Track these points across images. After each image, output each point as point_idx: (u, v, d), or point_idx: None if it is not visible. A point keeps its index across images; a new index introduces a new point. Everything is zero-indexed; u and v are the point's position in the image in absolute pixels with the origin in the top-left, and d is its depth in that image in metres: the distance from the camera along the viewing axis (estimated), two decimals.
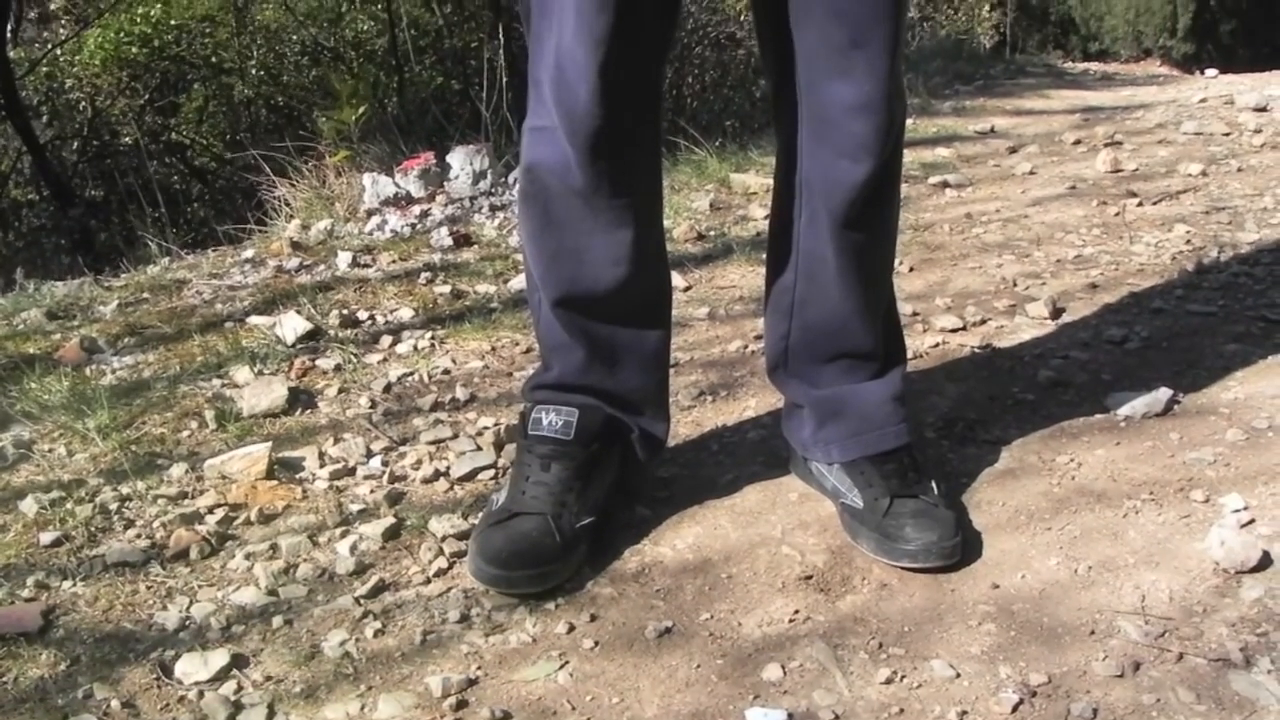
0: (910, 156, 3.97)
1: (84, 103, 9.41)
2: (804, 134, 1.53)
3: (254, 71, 8.78)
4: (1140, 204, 3.34)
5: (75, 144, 9.30)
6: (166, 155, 9.27)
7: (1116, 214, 3.25)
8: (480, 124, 3.70)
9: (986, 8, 11.09)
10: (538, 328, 1.64)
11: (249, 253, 3.09)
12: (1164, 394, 1.97)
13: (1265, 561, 1.50)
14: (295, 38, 8.48)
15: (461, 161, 3.40)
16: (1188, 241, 2.95)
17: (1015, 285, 2.64)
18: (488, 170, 3.38)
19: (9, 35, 8.50)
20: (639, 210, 1.53)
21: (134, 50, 8.95)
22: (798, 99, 1.51)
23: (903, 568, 1.52)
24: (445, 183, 3.42)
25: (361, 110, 3.60)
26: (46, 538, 1.66)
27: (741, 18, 7.67)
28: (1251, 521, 1.60)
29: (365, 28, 8.41)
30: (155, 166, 8.55)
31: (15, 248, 8.08)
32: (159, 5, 8.95)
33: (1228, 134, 4.44)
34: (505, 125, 3.74)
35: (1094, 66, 9.39)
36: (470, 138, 3.64)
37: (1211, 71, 7.84)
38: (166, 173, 8.93)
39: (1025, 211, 3.32)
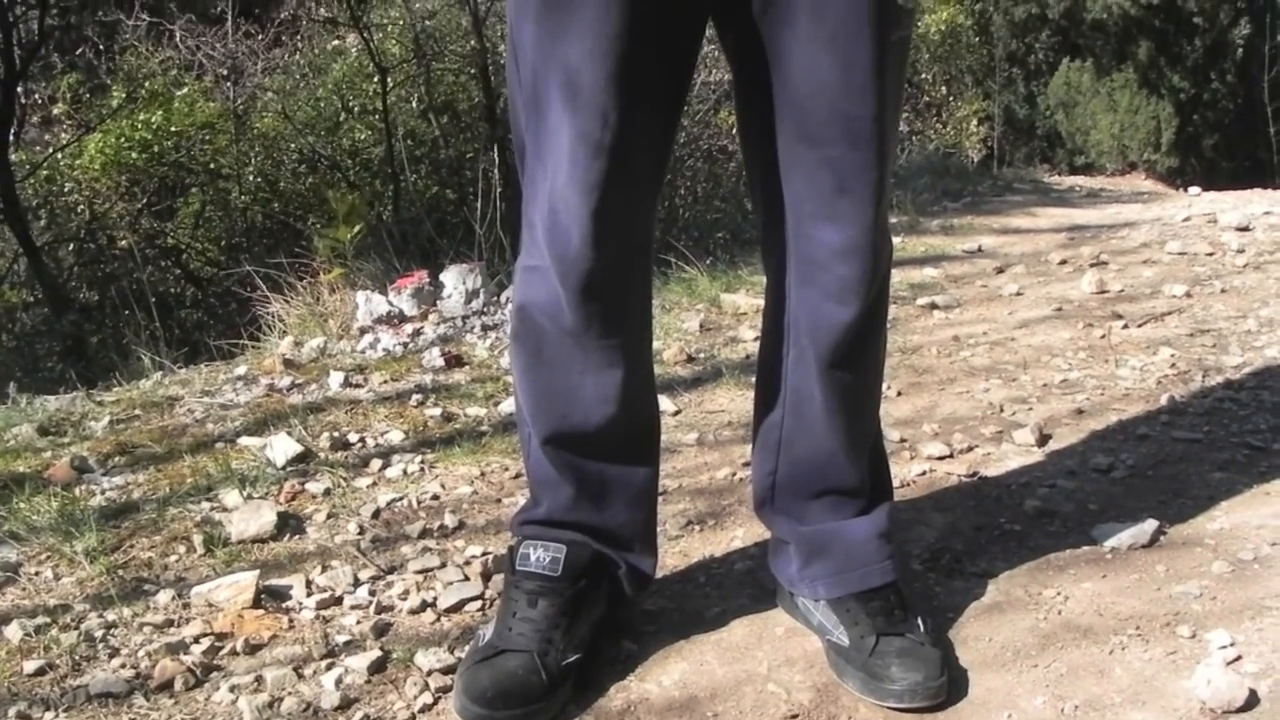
0: (899, 277, 4.03)
1: (82, 206, 9.50)
2: (791, 275, 1.56)
3: (251, 178, 8.88)
4: (1126, 326, 3.38)
5: (71, 246, 9.37)
6: (162, 259, 9.33)
7: (1102, 336, 3.29)
8: (474, 242, 3.75)
9: (974, 123, 11.30)
10: (527, 462, 1.66)
11: (241, 369, 3.11)
12: (1150, 525, 1.98)
13: (1252, 700, 1.50)
14: (293, 146, 8.59)
15: (454, 280, 3.45)
16: (1173, 365, 2.98)
17: (1002, 411, 2.67)
18: (480, 289, 3.42)
19: (11, 138, 8.61)
20: (629, 350, 1.55)
21: (134, 155, 9.05)
22: (786, 241, 1.55)
23: (889, 707, 1.52)
24: (438, 301, 3.46)
25: (357, 229, 3.65)
26: (30, 666, 1.65)
27: (733, 130, 7.80)
28: (1238, 658, 1.60)
29: (362, 137, 8.53)
30: (150, 271, 8.61)
31: (8, 348, 8.11)
32: (160, 112, 9.07)
33: (1211, 254, 4.50)
34: (499, 244, 3.79)
35: (1080, 182, 9.54)
36: (463, 256, 3.69)
37: (1195, 189, 7.97)
38: (161, 276, 8.99)
39: (1012, 334, 3.36)
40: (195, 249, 8.90)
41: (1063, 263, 4.44)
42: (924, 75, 10.73)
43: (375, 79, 7.70)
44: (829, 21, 1.42)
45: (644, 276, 1.59)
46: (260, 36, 9.84)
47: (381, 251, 3.73)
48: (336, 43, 9.40)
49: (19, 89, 8.94)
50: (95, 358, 6.64)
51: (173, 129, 9.00)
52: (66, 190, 9.56)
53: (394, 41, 8.34)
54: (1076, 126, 13.16)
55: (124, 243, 9.07)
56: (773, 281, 1.61)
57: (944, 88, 11.15)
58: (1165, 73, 13.26)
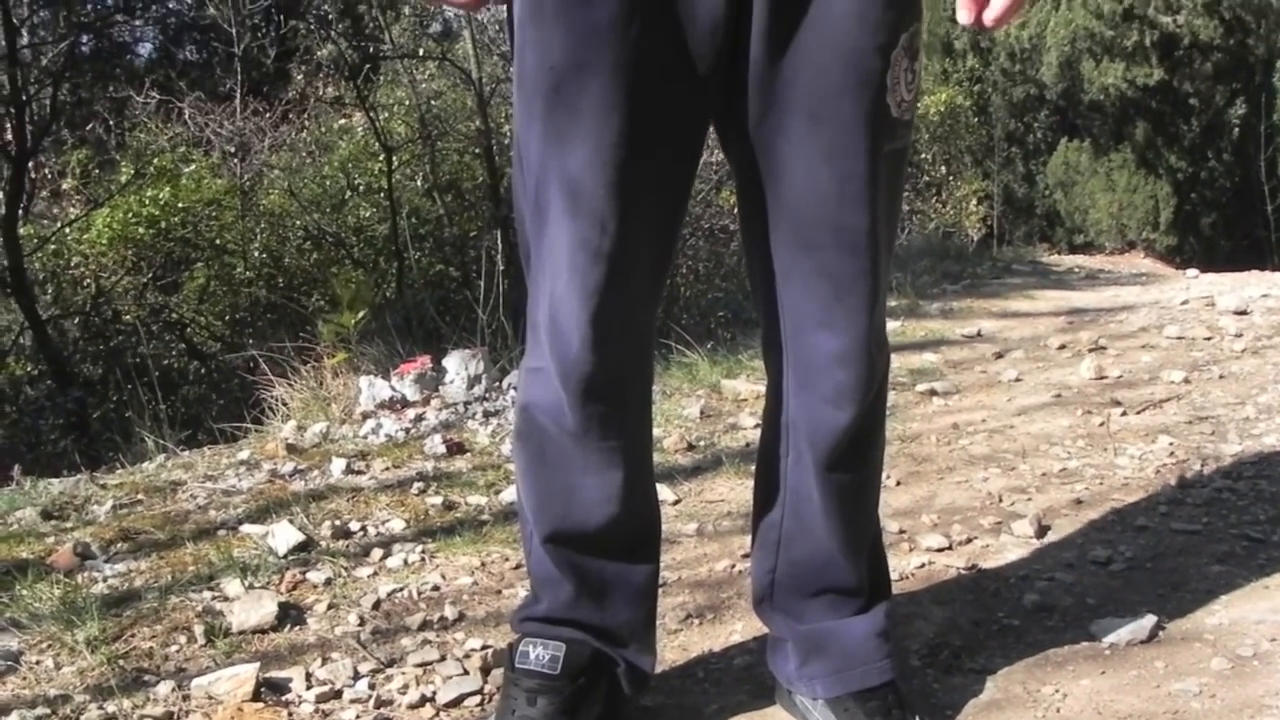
0: (899, 362, 4.05)
1: (88, 280, 9.57)
2: (790, 378, 1.58)
3: (256, 254, 8.95)
4: (1124, 413, 3.40)
5: (77, 320, 9.43)
6: (166, 334, 9.38)
7: (1101, 424, 3.31)
8: (477, 326, 3.79)
9: (974, 202, 11.40)
10: (528, 559, 1.67)
11: (244, 453, 3.13)
12: (1148, 620, 1.98)
13: None
14: (298, 223, 8.67)
15: (457, 366, 3.47)
16: (1171, 454, 2.99)
17: (1001, 501, 2.68)
18: (482, 375, 3.45)
19: (20, 212, 8.69)
20: (629, 451, 1.57)
21: (140, 230, 9.13)
22: (784, 344, 1.57)
23: None
24: (440, 386, 3.48)
25: (361, 315, 3.69)
26: None
27: (734, 210, 7.87)
28: None
29: (367, 214, 8.61)
30: (154, 345, 8.65)
31: (11, 419, 8.12)
32: (167, 188, 9.16)
33: (1209, 338, 4.53)
34: (501, 329, 3.82)
35: (1079, 262, 9.61)
36: (466, 341, 3.72)
37: (1193, 271, 8.03)
38: (165, 350, 9.03)
39: (1011, 421, 3.38)
40: (199, 324, 8.95)
41: (1061, 347, 4.47)
42: (924, 155, 10.85)
43: (380, 158, 7.79)
44: (824, 133, 1.46)
45: (645, 378, 1.61)
46: (268, 114, 9.98)
47: (385, 336, 3.77)
48: (343, 121, 9.52)
49: (29, 164, 9.05)
50: (98, 434, 6.66)
51: (180, 205, 9.08)
52: (73, 264, 9.63)
53: (400, 121, 8.45)
54: (1075, 206, 13.27)
55: (129, 317, 9.12)
56: (773, 382, 1.64)
57: (944, 167, 11.27)
58: (1163, 153, 13.40)
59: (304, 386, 3.49)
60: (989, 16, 1.46)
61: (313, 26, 10.33)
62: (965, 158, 12.40)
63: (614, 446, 1.55)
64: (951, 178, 11.34)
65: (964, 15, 1.47)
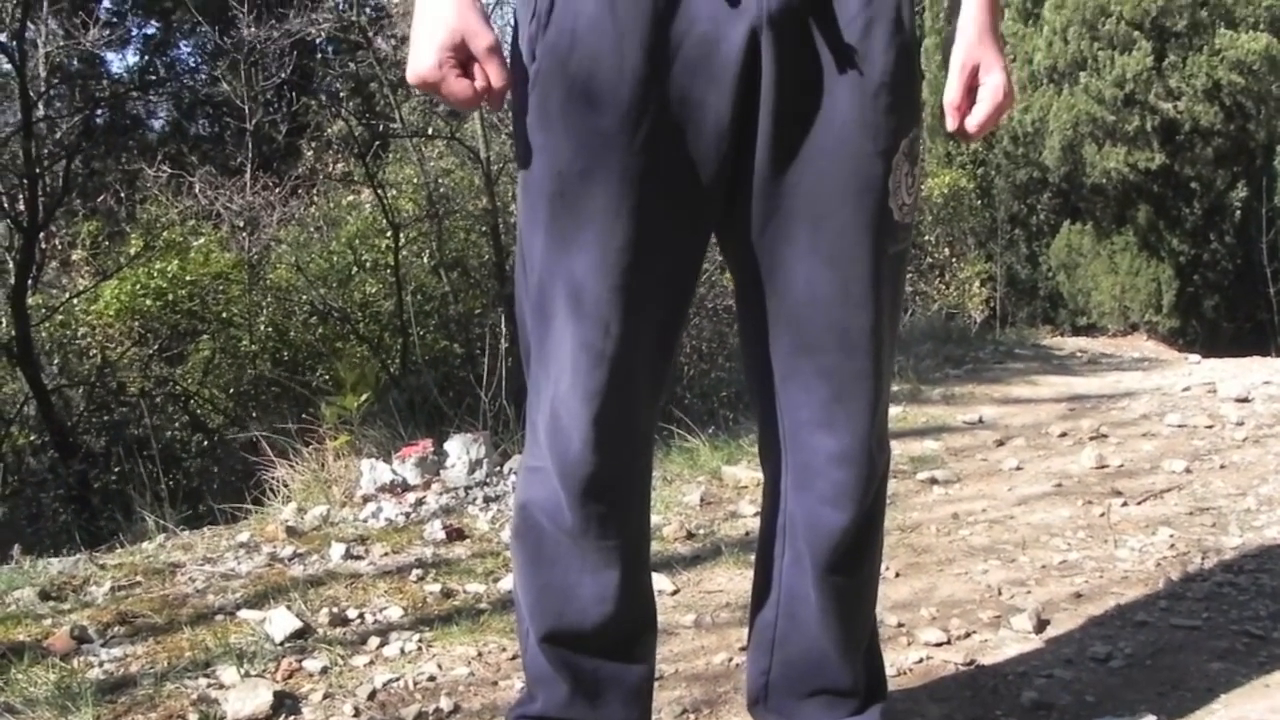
0: (900, 449, 4.06)
1: (94, 350, 9.62)
2: (788, 478, 1.59)
3: (262, 327, 9.00)
4: (1125, 504, 3.40)
5: (81, 390, 9.46)
6: (169, 405, 9.41)
7: (1101, 515, 3.31)
8: (479, 409, 3.81)
9: (977, 284, 11.45)
10: (524, 656, 1.67)
11: (244, 535, 3.13)
12: None
13: None
14: (305, 297, 8.73)
15: (458, 450, 3.48)
16: (1172, 546, 2.99)
17: (1000, 594, 2.67)
18: (484, 459, 3.45)
19: (29, 283, 8.75)
20: (626, 551, 1.58)
21: (148, 303, 9.19)
22: (782, 444, 1.59)
23: None
24: (441, 471, 3.49)
25: (364, 398, 3.72)
26: None
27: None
28: None
29: (373, 290, 8.67)
30: (158, 418, 8.67)
31: (13, 487, 8.12)
32: (176, 261, 9.24)
33: (1210, 426, 4.54)
34: (503, 412, 3.84)
35: (1082, 345, 9.62)
36: (468, 425, 3.74)
37: (1194, 357, 8.05)
38: (168, 422, 9.05)
39: (1011, 512, 3.38)
40: (203, 397, 8.98)
41: (1063, 435, 4.48)
42: (927, 237, 10.92)
43: (388, 235, 7.86)
44: (827, 236, 1.48)
45: (644, 477, 1.62)
46: (277, 189, 10.09)
47: (388, 418, 3.78)
48: (351, 198, 9.62)
49: (40, 235, 9.13)
50: (99, 508, 6.66)
51: (188, 278, 9.15)
52: (80, 334, 9.69)
53: (408, 199, 8.53)
54: (1078, 288, 13.32)
55: (133, 388, 9.16)
56: (769, 484, 1.65)
57: (947, 249, 11.34)
58: (1165, 236, 13.47)
59: (305, 468, 3.50)
60: (971, 123, 1.50)
61: (324, 103, 10.47)
62: (968, 239, 12.48)
63: (612, 546, 1.56)
64: (955, 259, 11.41)
65: (950, 122, 1.50)
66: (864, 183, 1.47)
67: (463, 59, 1.42)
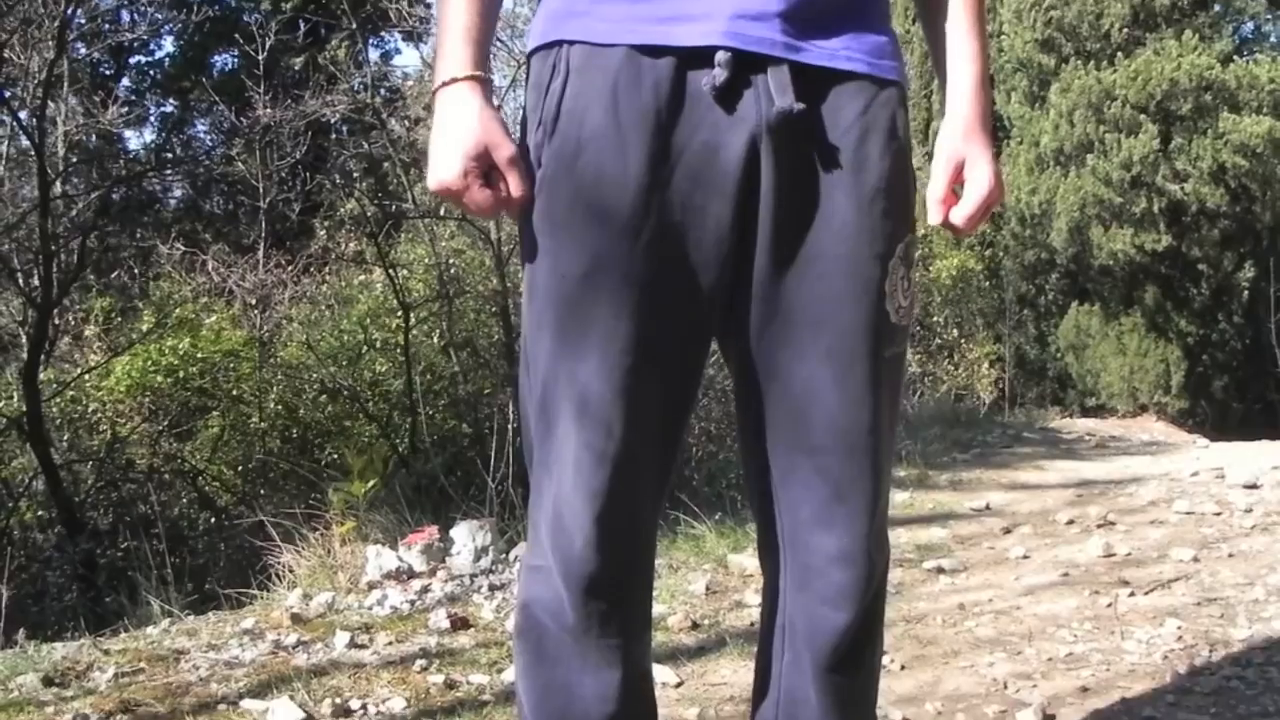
0: (906, 537, 4.06)
1: (105, 425, 9.65)
2: (787, 578, 1.60)
3: (272, 405, 9.03)
4: (1132, 594, 3.39)
5: (90, 465, 9.48)
6: (178, 481, 9.42)
7: (1109, 605, 3.29)
8: (486, 495, 3.82)
9: (986, 365, 11.48)
10: None
11: (249, 621, 3.12)
12: None
13: None
14: (314, 375, 8.77)
15: (464, 537, 3.49)
16: (1179, 638, 2.97)
17: (1006, 688, 2.66)
18: (490, 546, 3.46)
19: (42, 359, 8.81)
20: (628, 650, 1.58)
21: (159, 379, 9.24)
22: (781, 544, 1.59)
23: None
24: (447, 558, 3.50)
25: (371, 485, 3.73)
26: None
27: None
28: None
29: (383, 369, 8.70)
30: (165, 495, 8.67)
31: (19, 562, 8.11)
32: (187, 339, 9.30)
33: (1219, 513, 4.53)
34: (509, 500, 3.85)
35: (1091, 427, 9.62)
36: (474, 511, 3.75)
37: (1203, 441, 8.04)
38: (175, 498, 9.05)
39: (1018, 602, 3.37)
40: (211, 474, 8.99)
41: (1070, 522, 4.47)
42: (936, 318, 10.97)
43: (399, 314, 7.92)
44: (825, 339, 1.50)
45: (647, 573, 1.63)
46: (290, 267, 10.18)
47: (394, 504, 3.79)
48: (363, 277, 9.70)
49: (53, 312, 9.20)
50: (105, 587, 6.65)
51: (199, 355, 9.21)
52: (90, 410, 9.73)
53: (419, 280, 8.61)
54: (1087, 369, 13.34)
55: (142, 463, 9.17)
56: (768, 584, 1.65)
57: (955, 330, 11.39)
58: (1173, 317, 13.52)
59: (311, 553, 3.50)
60: (958, 218, 1.52)
61: (338, 183, 10.59)
62: (977, 320, 12.53)
63: (614, 644, 1.56)
64: (963, 340, 11.45)
65: (935, 215, 1.52)
66: (861, 286, 1.49)
67: (485, 168, 1.45)
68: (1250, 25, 14.15)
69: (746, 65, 1.44)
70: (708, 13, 1.45)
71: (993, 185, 1.54)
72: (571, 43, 1.48)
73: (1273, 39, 14.12)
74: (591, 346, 1.46)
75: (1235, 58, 12.98)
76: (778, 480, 1.57)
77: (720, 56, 1.43)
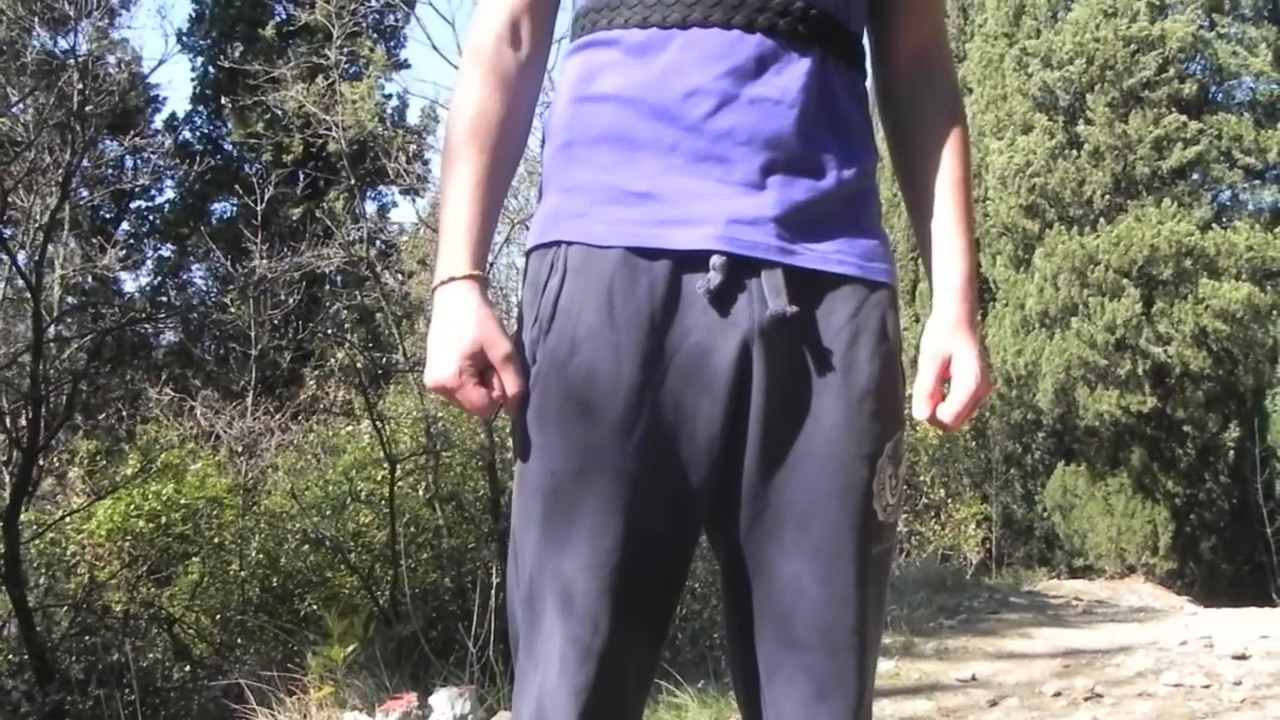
0: (892, 709, 4.01)
1: (83, 568, 9.53)
2: None
3: (254, 553, 8.95)
4: None
5: (65, 609, 9.33)
6: (154, 628, 9.27)
7: None
8: (466, 659, 3.77)
9: (973, 525, 11.45)
10: None
11: None
12: None
13: None
14: (297, 525, 8.71)
15: (444, 705, 3.43)
16: None
17: None
18: (469, 714, 3.40)
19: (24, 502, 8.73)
20: None
21: (141, 524, 9.17)
22: None
23: None
24: None
25: (351, 649, 3.69)
26: None
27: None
28: None
29: (367, 520, 8.65)
30: (140, 642, 8.53)
31: None
32: (171, 484, 9.25)
33: (1208, 686, 4.49)
34: (490, 666, 3.80)
35: (1078, 589, 9.58)
36: (455, 677, 3.70)
37: (1191, 608, 8.01)
38: (150, 645, 8.90)
39: None
40: (188, 621, 8.86)
41: (1057, 694, 4.42)
42: (923, 478, 10.97)
43: (385, 465, 7.91)
44: (813, 537, 1.51)
45: None
46: (278, 414, 10.19)
47: (373, 667, 3.74)
48: (350, 428, 9.70)
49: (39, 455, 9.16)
50: None
51: (183, 501, 9.15)
52: (69, 553, 9.62)
53: (406, 433, 8.62)
54: (1074, 529, 13.31)
55: (118, 608, 9.04)
56: None
57: (942, 490, 11.38)
58: (1159, 477, 13.56)
59: (288, 718, 3.44)
60: (946, 414, 1.55)
61: (329, 333, 10.67)
62: (964, 479, 12.55)
63: None
64: (950, 500, 11.43)
65: (921, 410, 1.55)
66: (849, 485, 1.51)
67: (481, 367, 1.48)
68: (1228, 193, 14.48)
69: (741, 268, 1.48)
70: (704, 217, 1.49)
71: (979, 381, 1.57)
72: (570, 243, 1.52)
73: (1250, 207, 14.44)
74: (579, 542, 1.47)
75: (1214, 225, 13.27)
76: (763, 674, 1.56)
77: (715, 260, 1.47)
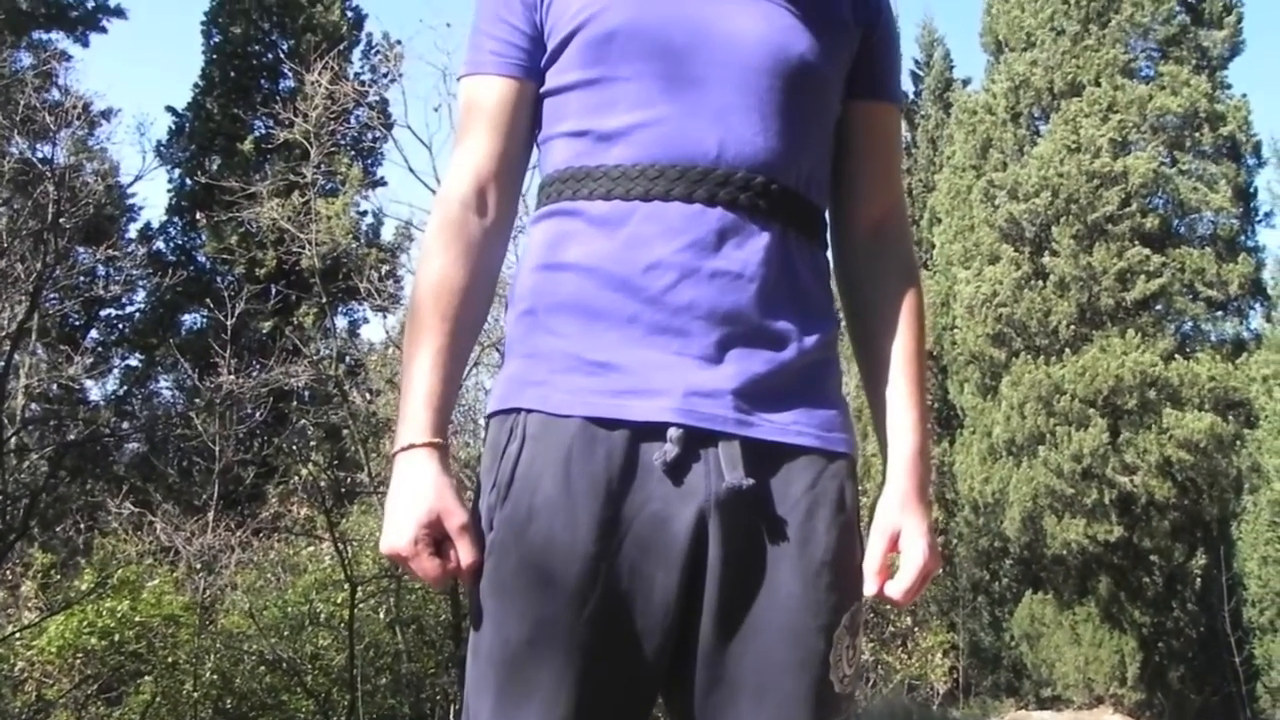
0: None
1: (30, 684, 9.31)
2: None
3: (208, 674, 8.77)
4: None
5: None
6: None
7: None
8: None
9: (939, 654, 11.36)
10: None
11: None
12: None
13: None
14: (254, 645, 8.56)
15: None
16: None
17: None
18: None
19: None
20: None
21: (93, 641, 8.99)
22: None
23: None
24: None
25: None
26: None
27: None
28: None
29: (325, 643, 8.52)
30: None
31: None
32: (127, 601, 9.09)
33: None
34: None
35: None
36: None
37: None
38: None
39: None
40: None
41: None
42: (888, 606, 10.90)
43: (346, 587, 7.81)
44: (769, 707, 1.49)
45: None
46: (239, 530, 10.06)
47: None
48: (311, 548, 9.60)
49: None
50: None
51: (137, 618, 8.98)
52: (18, 669, 9.40)
53: (368, 555, 8.53)
54: (1042, 659, 13.23)
55: None
56: None
57: (909, 618, 11.31)
58: (1126, 607, 13.53)
59: None
60: (895, 591, 1.54)
61: (295, 447, 10.59)
62: (931, 606, 12.47)
63: None
64: (916, 628, 11.35)
65: (869, 586, 1.54)
66: (805, 658, 1.49)
67: (437, 536, 1.47)
68: (1190, 324, 14.69)
69: (698, 440, 1.48)
70: (662, 388, 1.49)
71: (928, 558, 1.55)
72: (529, 411, 1.52)
73: (1213, 338, 14.63)
74: (532, 712, 1.44)
75: (1177, 355, 13.44)
76: None
77: (672, 433, 1.47)
